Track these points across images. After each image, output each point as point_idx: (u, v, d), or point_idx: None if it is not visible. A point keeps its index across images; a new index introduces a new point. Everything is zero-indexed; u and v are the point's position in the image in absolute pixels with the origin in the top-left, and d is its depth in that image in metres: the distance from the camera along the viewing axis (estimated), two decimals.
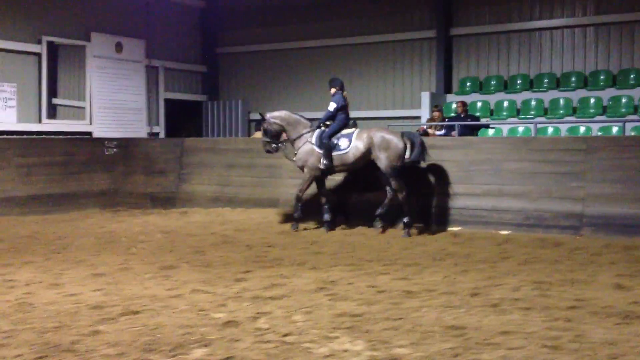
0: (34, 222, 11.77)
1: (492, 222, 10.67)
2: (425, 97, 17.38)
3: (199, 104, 21.25)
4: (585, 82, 16.43)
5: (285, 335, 5.09)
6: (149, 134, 19.30)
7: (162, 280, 7.09)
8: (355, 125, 11.05)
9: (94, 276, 7.25)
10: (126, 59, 18.91)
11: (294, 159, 11.04)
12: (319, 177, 11.00)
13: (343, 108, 10.91)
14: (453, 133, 14.16)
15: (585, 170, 10.30)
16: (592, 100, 15.98)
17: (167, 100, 20.30)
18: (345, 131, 10.81)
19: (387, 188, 10.68)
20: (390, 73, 19.03)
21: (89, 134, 17.54)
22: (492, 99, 17.20)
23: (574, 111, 16.15)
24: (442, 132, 14.59)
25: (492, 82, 17.49)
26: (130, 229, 11.06)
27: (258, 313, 5.72)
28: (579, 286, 6.77)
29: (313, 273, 7.48)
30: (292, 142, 11.10)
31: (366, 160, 10.66)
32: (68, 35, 17.40)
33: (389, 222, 10.79)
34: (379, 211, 10.60)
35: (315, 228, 11.00)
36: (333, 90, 11.03)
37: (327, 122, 10.89)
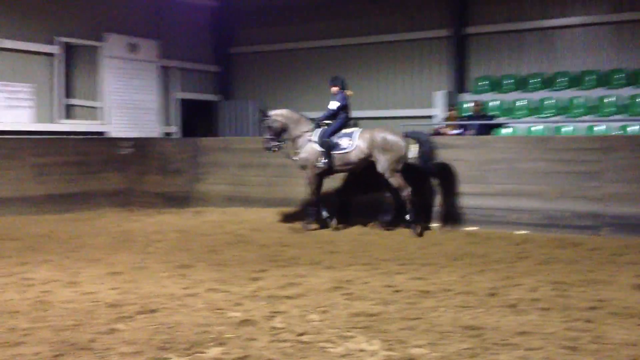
0: (50, 221, 11.84)
1: (509, 222, 10.61)
2: (439, 97, 17.30)
3: (213, 103, 21.28)
4: (602, 80, 16.28)
5: (301, 334, 5.08)
6: (163, 133, 19.35)
7: (178, 279, 7.10)
8: (355, 125, 11.01)
9: (111, 275, 7.27)
10: (140, 59, 18.97)
11: (296, 157, 10.98)
12: (320, 177, 10.96)
13: (344, 107, 10.88)
14: (468, 133, 14.09)
15: (602, 170, 10.21)
16: (609, 99, 15.84)
17: (181, 100, 20.35)
18: (345, 130, 10.78)
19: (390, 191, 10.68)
20: (403, 72, 18.95)
21: (104, 134, 17.61)
22: (508, 98, 17.09)
23: (590, 110, 16.01)
24: (457, 131, 14.53)
25: (508, 81, 17.38)
26: (146, 228, 11.09)
27: (274, 312, 5.71)
28: (599, 286, 6.70)
29: (329, 272, 7.46)
30: (294, 140, 11.05)
31: (367, 161, 10.64)
32: (82, 36, 17.48)
33: (396, 223, 10.74)
34: (410, 218, 10.42)
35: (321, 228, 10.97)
36: (335, 89, 11.01)
37: (328, 121, 10.87)
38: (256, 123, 20.32)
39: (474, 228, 10.70)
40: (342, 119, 10.83)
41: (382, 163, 10.44)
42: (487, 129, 14.48)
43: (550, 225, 10.31)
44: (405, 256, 8.53)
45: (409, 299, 6.19)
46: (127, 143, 15.07)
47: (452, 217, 11.01)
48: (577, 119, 15.66)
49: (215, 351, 4.70)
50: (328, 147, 10.60)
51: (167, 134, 19.47)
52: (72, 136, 15.76)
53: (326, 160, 10.58)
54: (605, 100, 15.88)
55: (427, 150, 10.50)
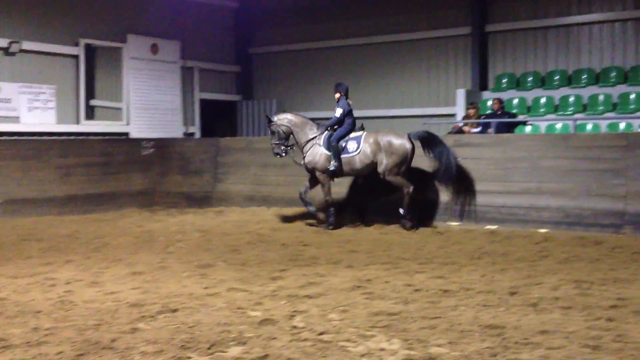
0: (74, 221, 11.97)
1: (530, 220, 10.53)
2: (461, 95, 17.21)
3: (233, 103, 21.36)
4: (625, 77, 16.09)
5: (322, 333, 5.08)
6: (184, 134, 19.47)
7: (199, 278, 7.15)
8: (362, 128, 11.12)
9: (133, 274, 7.33)
10: (162, 60, 19.10)
11: (304, 162, 11.12)
12: (313, 176, 11.11)
13: (349, 112, 11.04)
14: (489, 130, 14.00)
15: (626, 167, 10.10)
16: (632, 96, 15.65)
17: (202, 101, 20.46)
18: (353, 134, 10.94)
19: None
20: (424, 71, 18.89)
21: (126, 134, 17.76)
22: (529, 95, 16.96)
23: (613, 107, 15.84)
24: (478, 129, 14.44)
25: (529, 79, 17.25)
26: (168, 228, 11.17)
27: (294, 311, 5.73)
28: (621, 285, 6.64)
29: (349, 271, 7.47)
30: (300, 144, 11.20)
31: (373, 165, 10.77)
32: (105, 38, 17.65)
33: (416, 219, 10.80)
34: (404, 213, 10.66)
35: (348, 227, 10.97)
36: (337, 95, 11.14)
37: (335, 126, 11.03)
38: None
39: (495, 226, 10.63)
40: (348, 124, 11.00)
41: (384, 165, 10.59)
42: (508, 127, 14.37)
43: (572, 224, 10.21)
44: (425, 255, 8.51)
45: (429, 298, 6.17)
46: (149, 143, 15.20)
47: (472, 215, 10.96)
48: (599, 116, 15.50)
49: (235, 350, 4.73)
50: (337, 150, 10.73)
51: (188, 134, 19.59)
52: (95, 137, 15.92)
53: (337, 164, 10.70)
54: (628, 97, 15.70)
55: (447, 162, 10.58)
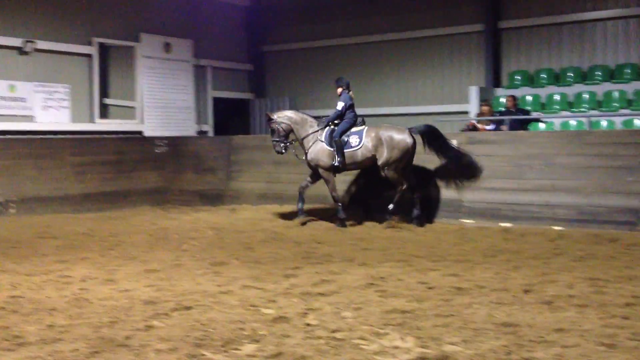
0: (89, 219, 12.04)
1: (545, 218, 10.48)
2: (474, 92, 17.12)
3: (246, 102, 21.38)
4: (639, 74, 15.94)
5: (335, 331, 5.09)
6: (197, 132, 19.52)
7: (213, 276, 7.17)
8: (363, 122, 11.15)
9: (147, 272, 7.37)
10: (175, 59, 19.15)
11: (307, 158, 11.18)
12: (315, 172, 11.17)
13: (350, 107, 11.09)
14: (503, 127, 13.94)
15: None
16: None
17: (215, 99, 20.50)
18: (355, 129, 11.00)
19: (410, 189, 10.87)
20: (437, 68, 18.82)
21: (140, 133, 17.82)
22: (543, 92, 16.85)
23: (628, 104, 15.70)
24: (492, 126, 14.38)
25: (543, 76, 17.13)
26: (181, 226, 11.22)
27: (308, 309, 5.74)
28: (636, 283, 6.60)
29: (362, 269, 7.47)
30: (301, 141, 11.24)
31: (374, 159, 10.85)
32: (118, 37, 17.71)
33: (424, 215, 10.94)
34: (415, 213, 10.77)
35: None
36: (339, 90, 11.20)
37: (336, 121, 11.06)
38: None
39: (509, 224, 10.59)
40: (350, 118, 11.05)
41: (385, 159, 10.64)
42: (521, 124, 14.30)
43: (587, 221, 10.15)
44: (439, 253, 8.49)
45: (443, 296, 6.16)
46: (162, 142, 15.25)
47: (486, 213, 10.93)
48: (614, 112, 15.38)
49: (249, 348, 4.74)
50: (340, 146, 10.77)
51: (201, 133, 19.63)
52: (109, 135, 16.00)
53: (341, 159, 10.76)
54: None
55: (441, 145, 10.74)
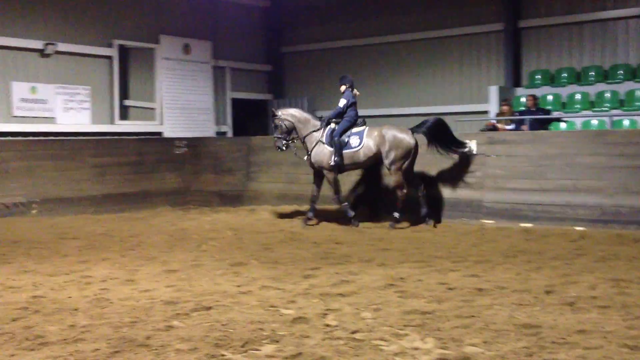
0: (109, 220, 12.12)
1: (566, 218, 10.38)
2: (494, 92, 17.03)
3: (265, 102, 21.43)
4: None
5: (355, 332, 5.07)
6: (216, 133, 19.60)
7: (232, 276, 7.18)
8: (364, 123, 11.14)
9: (167, 272, 7.40)
10: (194, 60, 19.25)
11: (311, 160, 11.20)
12: (317, 174, 11.21)
13: (353, 105, 11.08)
14: (523, 127, 13.84)
15: None
16: None
17: (233, 100, 20.57)
18: (355, 129, 10.99)
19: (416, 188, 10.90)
20: (457, 68, 18.74)
21: (160, 134, 17.93)
22: (564, 91, 16.71)
23: None
24: (512, 126, 14.29)
25: (564, 75, 16.99)
26: (201, 226, 11.25)
27: (327, 310, 5.72)
28: None
29: (382, 270, 7.44)
30: (303, 140, 11.27)
31: (376, 158, 10.86)
32: (138, 39, 17.84)
33: (434, 215, 10.95)
34: (424, 211, 10.77)
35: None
36: (343, 88, 11.22)
37: (337, 119, 11.09)
38: None
39: (530, 224, 10.50)
40: (351, 117, 11.04)
41: (390, 158, 10.65)
42: (542, 124, 14.19)
43: (609, 221, 10.04)
44: (458, 253, 8.44)
45: (463, 297, 6.11)
46: (182, 143, 15.33)
47: (506, 213, 10.85)
48: (636, 112, 15.20)
49: (269, 348, 4.73)
50: (339, 145, 10.78)
51: (220, 134, 19.70)
52: (129, 137, 16.11)
53: (337, 159, 10.78)
54: None
55: (446, 138, 10.79)
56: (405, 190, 10.73)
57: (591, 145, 10.65)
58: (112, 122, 17.23)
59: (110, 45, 17.20)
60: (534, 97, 14.88)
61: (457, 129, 16.33)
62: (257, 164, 14.35)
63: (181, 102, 18.84)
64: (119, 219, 12.24)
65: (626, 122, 14.99)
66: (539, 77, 17.26)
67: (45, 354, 4.67)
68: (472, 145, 11.20)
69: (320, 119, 11.42)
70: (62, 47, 16.25)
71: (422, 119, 11.39)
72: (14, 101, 15.56)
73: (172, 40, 18.61)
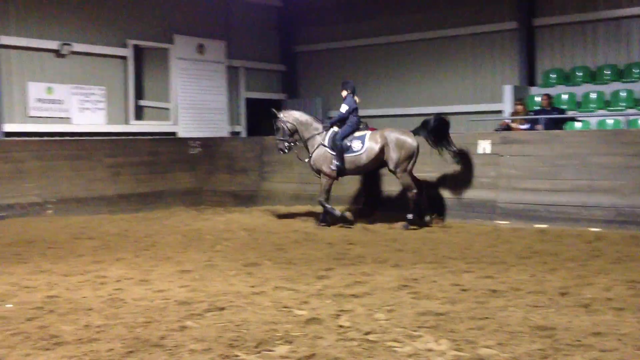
0: (123, 220, 12.18)
1: (581, 219, 10.31)
2: (508, 91, 16.94)
3: (279, 102, 21.43)
4: None
5: (368, 333, 5.06)
6: (230, 133, 19.64)
7: (245, 277, 7.20)
8: (366, 127, 11.18)
9: (181, 273, 7.43)
10: (208, 60, 19.29)
11: (310, 163, 11.24)
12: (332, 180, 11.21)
13: (354, 110, 11.12)
14: (538, 127, 13.76)
15: None
16: None
17: (247, 100, 20.60)
18: (357, 133, 11.04)
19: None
20: (470, 67, 18.66)
21: (174, 134, 18.00)
22: (579, 90, 16.59)
23: None
24: (526, 126, 14.21)
25: (579, 74, 16.87)
26: (215, 226, 11.28)
27: (340, 310, 5.72)
28: None
29: (395, 271, 7.43)
30: (305, 142, 11.31)
31: (379, 161, 10.90)
32: (152, 39, 17.91)
33: (439, 213, 11.13)
34: (428, 216, 10.89)
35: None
36: (344, 93, 11.25)
37: (339, 124, 11.13)
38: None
39: (544, 225, 10.44)
40: (353, 122, 11.08)
41: (395, 161, 10.69)
42: (557, 123, 14.10)
43: (625, 222, 9.97)
44: (472, 254, 8.41)
45: (477, 298, 6.09)
46: (196, 143, 15.38)
47: (521, 214, 10.80)
48: None
49: (282, 349, 4.74)
50: (340, 150, 10.81)
51: (234, 134, 19.75)
52: (144, 137, 16.18)
53: (338, 163, 10.82)
54: None
55: (441, 139, 10.76)
56: (415, 191, 10.74)
57: (606, 145, 10.58)
58: (126, 122, 17.31)
59: (125, 46, 17.28)
60: (549, 97, 14.79)
61: (471, 129, 16.34)
62: (270, 164, 14.37)
63: (195, 102, 18.89)
64: (134, 219, 12.30)
65: None
66: (554, 76, 17.15)
67: (60, 353, 4.70)
68: (487, 145, 11.17)
69: (322, 122, 11.48)
70: (78, 47, 16.34)
71: None
72: (30, 101, 15.66)
73: (187, 40, 18.67)
